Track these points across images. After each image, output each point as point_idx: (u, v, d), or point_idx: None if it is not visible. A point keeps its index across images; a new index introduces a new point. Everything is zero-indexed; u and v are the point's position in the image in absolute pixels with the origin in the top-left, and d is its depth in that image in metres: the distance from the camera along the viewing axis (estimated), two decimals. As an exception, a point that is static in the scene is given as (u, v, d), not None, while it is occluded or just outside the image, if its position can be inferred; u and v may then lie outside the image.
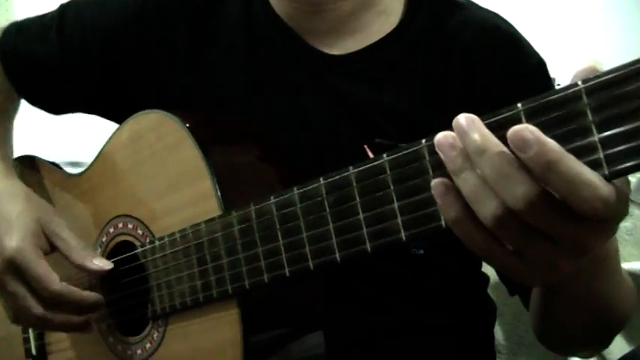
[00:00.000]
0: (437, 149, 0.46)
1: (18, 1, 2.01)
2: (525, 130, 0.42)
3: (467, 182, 0.45)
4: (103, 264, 0.76)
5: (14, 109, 0.98)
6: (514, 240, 0.46)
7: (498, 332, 1.05)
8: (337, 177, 0.55)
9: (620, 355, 0.78)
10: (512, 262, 0.48)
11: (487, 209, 0.45)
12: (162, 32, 0.84)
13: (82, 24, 0.89)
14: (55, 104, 0.96)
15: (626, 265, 1.01)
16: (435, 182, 0.47)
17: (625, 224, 1.06)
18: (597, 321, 0.69)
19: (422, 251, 0.76)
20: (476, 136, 0.45)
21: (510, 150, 0.43)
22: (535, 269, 0.48)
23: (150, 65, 0.85)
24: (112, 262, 0.77)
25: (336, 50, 0.80)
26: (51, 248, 0.80)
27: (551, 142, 0.42)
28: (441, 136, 0.46)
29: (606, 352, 0.96)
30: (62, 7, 0.92)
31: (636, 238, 1.04)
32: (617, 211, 0.44)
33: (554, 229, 0.45)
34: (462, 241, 0.48)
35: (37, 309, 0.77)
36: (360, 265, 0.76)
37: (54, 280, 0.76)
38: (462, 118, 0.45)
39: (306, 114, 0.79)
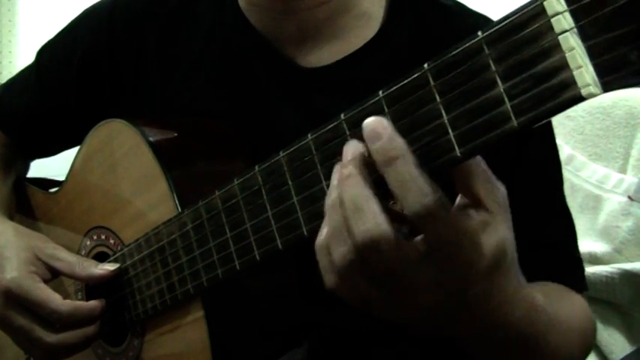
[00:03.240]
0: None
1: (22, 1, 2.02)
2: (379, 122, 0.44)
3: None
4: (109, 267, 0.74)
5: (16, 162, 0.96)
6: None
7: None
8: (269, 163, 0.54)
9: (622, 355, 0.74)
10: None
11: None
12: (133, 46, 0.82)
13: (57, 58, 0.88)
14: (52, 147, 0.95)
15: (628, 266, 0.96)
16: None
17: (627, 224, 1.00)
18: None
19: None
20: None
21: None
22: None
23: (124, 81, 0.82)
24: None
25: (312, 60, 0.75)
26: (51, 274, 0.76)
27: (399, 140, 0.43)
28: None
29: (608, 352, 0.91)
30: (38, 53, 0.92)
31: (638, 238, 0.98)
32: (444, 231, 0.43)
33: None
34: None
35: (50, 337, 0.73)
36: None
37: (58, 300, 0.73)
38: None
39: (280, 132, 0.71)
